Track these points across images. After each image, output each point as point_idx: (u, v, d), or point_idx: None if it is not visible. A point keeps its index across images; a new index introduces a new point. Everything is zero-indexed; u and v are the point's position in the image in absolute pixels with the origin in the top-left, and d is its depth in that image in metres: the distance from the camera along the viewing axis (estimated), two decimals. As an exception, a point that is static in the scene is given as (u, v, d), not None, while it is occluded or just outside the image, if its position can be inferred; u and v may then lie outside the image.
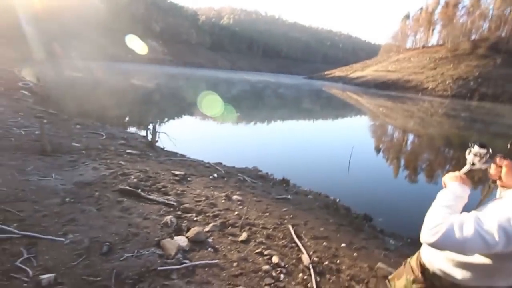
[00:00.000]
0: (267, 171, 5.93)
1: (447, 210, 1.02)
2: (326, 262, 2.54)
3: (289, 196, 4.44)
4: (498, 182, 1.22)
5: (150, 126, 6.87)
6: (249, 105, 20.39)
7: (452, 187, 1.14)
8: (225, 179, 4.72)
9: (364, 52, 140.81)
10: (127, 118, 10.81)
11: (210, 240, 2.53)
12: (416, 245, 1.33)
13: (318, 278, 2.24)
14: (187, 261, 2.13)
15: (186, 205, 3.17)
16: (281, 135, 11.48)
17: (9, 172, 3.34)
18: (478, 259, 1.04)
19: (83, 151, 4.76)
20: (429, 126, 18.09)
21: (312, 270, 2.31)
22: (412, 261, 1.33)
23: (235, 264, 2.23)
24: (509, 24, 61.75)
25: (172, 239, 2.38)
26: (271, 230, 3.00)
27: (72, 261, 1.95)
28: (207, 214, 3.08)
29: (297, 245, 2.75)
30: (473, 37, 65.18)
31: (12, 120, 6.23)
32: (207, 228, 2.73)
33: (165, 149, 6.48)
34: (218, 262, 2.20)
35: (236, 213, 3.25)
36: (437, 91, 47.64)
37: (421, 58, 62.75)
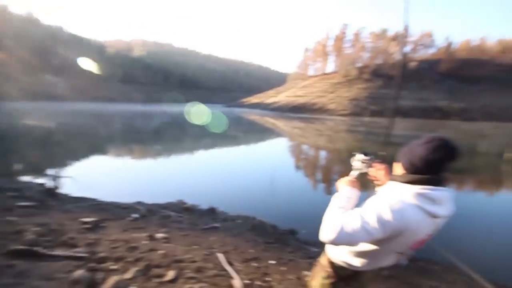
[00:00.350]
0: (193, 202, 5.75)
1: (340, 211, 1.21)
2: (258, 283, 2.58)
3: (217, 224, 4.38)
4: (377, 182, 1.51)
5: (51, 172, 5.98)
6: (170, 137, 19.74)
7: (344, 191, 1.36)
8: (147, 218, 4.39)
9: (276, 80, 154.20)
10: (19, 166, 9.12)
11: (132, 287, 2.29)
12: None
13: (250, 301, 2.25)
14: (104, 317, 1.87)
15: (101, 255, 2.81)
16: (206, 164, 11.38)
17: None
18: (367, 247, 1.24)
19: (-45, 213, 3.79)
20: (336, 141, 20.63)
21: (244, 294, 2.31)
22: (322, 259, 1.49)
23: (162, 307, 2.07)
24: (382, 54, 77.27)
25: (84, 296, 2.07)
26: (200, 262, 2.90)
27: None
28: (127, 260, 2.79)
29: (228, 272, 2.72)
30: (358, 65, 78.80)
31: None
32: (128, 275, 2.46)
33: (71, 195, 5.67)
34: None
35: (161, 252, 3.04)
36: (338, 111, 55.16)
37: (322, 84, 72.29)
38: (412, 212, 1.12)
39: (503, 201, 8.25)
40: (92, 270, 2.51)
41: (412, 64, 67.79)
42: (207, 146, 16.05)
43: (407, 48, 79.09)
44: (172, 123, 30.85)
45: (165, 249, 3.12)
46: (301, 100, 65.07)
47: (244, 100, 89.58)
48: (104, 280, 2.34)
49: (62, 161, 10.08)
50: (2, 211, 3.98)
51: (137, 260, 2.81)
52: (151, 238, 3.44)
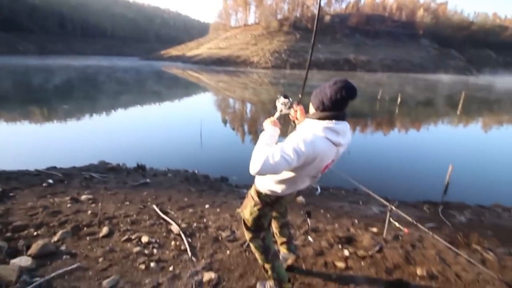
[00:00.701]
0: (118, 162, 5.45)
1: (265, 147, 1.39)
2: (195, 224, 2.77)
3: (147, 180, 4.34)
4: (296, 121, 1.74)
5: None
6: (81, 95, 17.21)
7: (268, 130, 1.55)
8: (66, 182, 4.04)
9: (196, 30, 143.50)
10: None
11: (63, 248, 2.21)
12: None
13: (189, 240, 2.45)
14: (37, 278, 1.82)
15: (17, 223, 2.56)
16: (129, 122, 10.55)
17: None
18: (287, 174, 1.48)
19: None
20: (260, 94, 21.27)
21: (183, 235, 2.48)
22: (251, 191, 1.71)
23: (100, 259, 2.09)
24: (301, 6, 78.58)
25: (8, 264, 1.93)
26: (134, 216, 2.92)
27: None
28: (51, 224, 2.62)
29: (165, 220, 2.83)
30: (279, 17, 78.86)
31: None
32: (55, 238, 2.35)
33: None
34: (79, 265, 1.99)
35: (89, 212, 2.93)
36: (261, 63, 55.72)
37: (245, 36, 70.69)
38: (321, 143, 1.37)
39: (395, 136, 10.17)
40: (10, 239, 2.31)
41: (327, 18, 71.34)
42: (127, 104, 14.68)
43: (323, 2, 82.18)
44: (82, 80, 26.66)
45: (94, 209, 3.01)
46: (225, 53, 63.07)
47: (163, 52, 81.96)
48: (28, 247, 2.18)
49: None
50: None
51: (63, 223, 2.67)
52: (75, 200, 3.23)
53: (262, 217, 1.69)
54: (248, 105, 16.89)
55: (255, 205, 1.67)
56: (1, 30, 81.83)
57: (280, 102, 1.76)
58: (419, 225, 2.57)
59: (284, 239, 2.02)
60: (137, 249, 2.23)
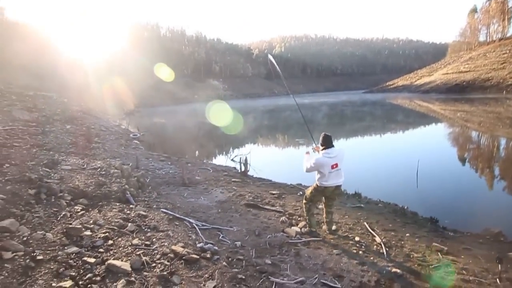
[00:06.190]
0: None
1: (306, 162, 3.41)
2: (393, 242, 3.75)
3: (362, 205, 5.63)
4: (317, 151, 3.51)
5: (241, 159, 8.81)
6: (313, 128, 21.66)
7: (305, 157, 3.65)
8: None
9: (429, 54, 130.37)
10: (218, 154, 13.22)
11: (306, 230, 4.00)
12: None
13: (387, 249, 3.49)
14: (303, 238, 3.64)
15: (290, 211, 4.72)
16: (352, 153, 12.43)
17: (178, 197, 5.39)
18: (319, 174, 3.49)
19: (206, 182, 6.79)
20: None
21: (383, 245, 3.57)
22: (314, 183, 3.30)
23: (332, 240, 3.65)
24: None
25: (290, 228, 3.92)
26: (351, 225, 4.32)
27: (243, 238, 3.63)
28: (299, 218, 4.55)
29: (371, 233, 4.01)
30: None
31: (150, 165, 8.80)
32: (301, 224, 4.19)
33: (254, 176, 8.27)
34: (321, 239, 3.65)
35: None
36: (526, 86, 41.61)
37: (500, 52, 55.74)
38: (322, 159, 3.56)
39: None
40: (288, 218, 4.41)
41: None
42: (352, 135, 16.94)
43: None
44: (312, 115, 32.91)
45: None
46: (467, 77, 52.91)
47: (389, 83, 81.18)
48: (296, 223, 4.16)
49: (243, 150, 13.69)
50: (227, 183, 6.73)
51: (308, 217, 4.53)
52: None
53: (314, 196, 3.75)
54: (503, 142, 13.93)
55: (313, 189, 3.47)
56: (266, 79, 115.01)
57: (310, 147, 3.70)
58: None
59: (327, 220, 3.96)
60: (351, 242, 3.61)
